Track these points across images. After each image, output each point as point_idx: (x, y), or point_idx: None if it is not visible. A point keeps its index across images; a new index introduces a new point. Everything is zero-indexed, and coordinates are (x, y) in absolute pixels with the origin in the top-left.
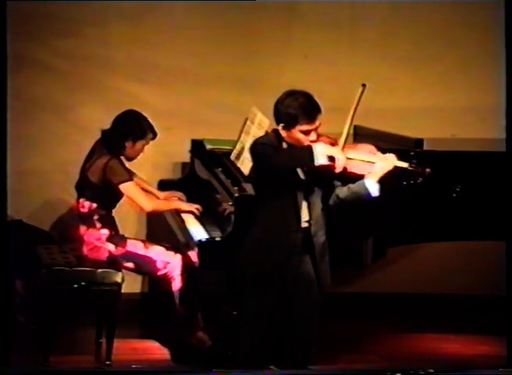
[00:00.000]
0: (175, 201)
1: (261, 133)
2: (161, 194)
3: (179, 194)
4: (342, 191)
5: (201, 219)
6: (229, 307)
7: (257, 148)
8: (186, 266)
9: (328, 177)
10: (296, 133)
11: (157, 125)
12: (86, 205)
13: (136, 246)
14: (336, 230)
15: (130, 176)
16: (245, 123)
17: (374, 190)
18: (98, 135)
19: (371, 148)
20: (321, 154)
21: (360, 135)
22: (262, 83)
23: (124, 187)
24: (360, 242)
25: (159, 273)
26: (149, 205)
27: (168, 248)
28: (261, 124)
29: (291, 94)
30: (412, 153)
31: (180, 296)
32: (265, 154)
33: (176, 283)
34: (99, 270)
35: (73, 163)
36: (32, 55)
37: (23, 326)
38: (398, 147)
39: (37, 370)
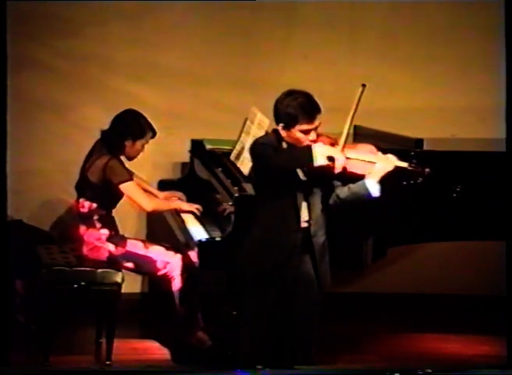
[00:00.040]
0: (175, 201)
1: (261, 133)
2: (161, 194)
3: (179, 194)
4: (342, 191)
5: (201, 219)
6: (229, 307)
7: (256, 148)
8: (186, 266)
9: (328, 178)
10: (296, 132)
11: (157, 125)
12: (86, 205)
13: (136, 246)
14: (336, 230)
15: (130, 176)
16: (245, 123)
17: (374, 190)
18: (98, 135)
19: (372, 148)
20: (320, 154)
21: (360, 135)
22: (262, 83)
23: (124, 187)
24: (360, 242)
25: (159, 273)
26: (149, 204)
27: (168, 248)
28: (261, 124)
29: (290, 93)
30: (412, 153)
31: (180, 296)
32: (265, 154)
33: (176, 283)
34: (99, 270)
35: (73, 163)
36: (32, 55)
37: (23, 326)
38: (398, 147)
39: (37, 370)
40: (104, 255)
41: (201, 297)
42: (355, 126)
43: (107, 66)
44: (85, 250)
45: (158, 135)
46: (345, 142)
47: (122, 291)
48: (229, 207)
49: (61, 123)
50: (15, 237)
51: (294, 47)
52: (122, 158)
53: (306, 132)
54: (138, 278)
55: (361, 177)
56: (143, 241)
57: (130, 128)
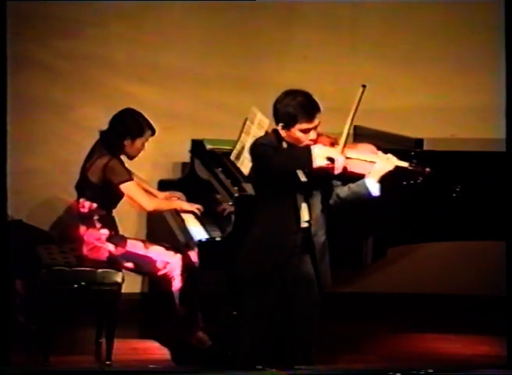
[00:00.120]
0: (176, 200)
1: (261, 133)
2: (161, 194)
3: (179, 194)
4: (342, 191)
5: (201, 219)
6: (229, 307)
7: (256, 148)
8: (186, 266)
9: (328, 178)
10: (296, 132)
11: (157, 125)
12: (86, 205)
13: (136, 246)
14: (336, 230)
15: (131, 175)
16: (245, 123)
17: (374, 189)
18: (98, 135)
19: (372, 147)
20: (319, 155)
21: (360, 135)
22: (262, 83)
23: (125, 187)
24: (360, 242)
25: (159, 273)
26: (150, 204)
27: (168, 248)
28: (261, 124)
29: (290, 93)
30: (412, 153)
31: (180, 296)
32: (264, 155)
33: (176, 283)
34: (99, 270)
35: (73, 163)
36: (32, 55)
37: (23, 326)
38: (398, 147)
39: (37, 370)
40: (104, 255)
41: (201, 297)
42: (355, 127)
43: (107, 66)
44: (85, 250)
45: (158, 135)
46: (345, 142)
47: (122, 291)
48: (229, 207)
49: (61, 123)
50: (15, 237)
51: (294, 47)
52: (123, 157)
53: (306, 131)
54: (138, 278)
55: (361, 177)
56: (143, 241)
57: (129, 127)
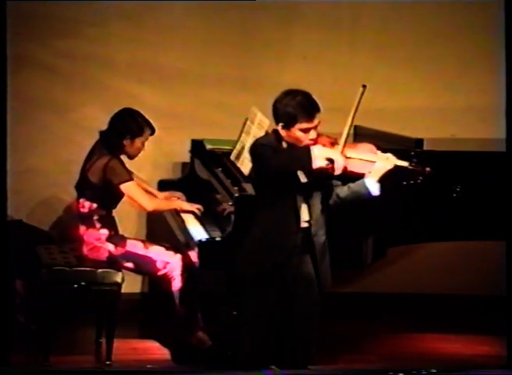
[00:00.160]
0: (176, 200)
1: (261, 133)
2: (161, 195)
3: (179, 194)
4: (342, 191)
5: (201, 219)
6: (229, 307)
7: (256, 148)
8: (186, 266)
9: (327, 178)
10: (296, 131)
11: (157, 125)
12: (86, 206)
13: (136, 246)
14: (336, 230)
15: (131, 176)
16: (245, 123)
17: (374, 189)
18: (98, 135)
19: (372, 147)
20: (319, 156)
21: (360, 135)
22: (262, 84)
23: (125, 187)
24: (360, 242)
25: (159, 273)
26: (150, 204)
27: (168, 248)
28: (261, 124)
29: (289, 93)
30: (412, 153)
31: (180, 296)
32: (264, 155)
33: (176, 283)
34: (99, 270)
35: (74, 163)
36: (32, 55)
37: (23, 326)
38: (398, 147)
39: (37, 370)
40: (104, 255)
41: (201, 297)
42: (355, 127)
43: (107, 66)
44: (85, 250)
45: (158, 135)
46: (345, 143)
47: (122, 291)
48: (229, 207)
49: (61, 123)
50: (15, 237)
51: (294, 47)
52: (124, 157)
53: (306, 131)
54: (138, 278)
55: (361, 176)
56: (143, 241)
57: (128, 126)
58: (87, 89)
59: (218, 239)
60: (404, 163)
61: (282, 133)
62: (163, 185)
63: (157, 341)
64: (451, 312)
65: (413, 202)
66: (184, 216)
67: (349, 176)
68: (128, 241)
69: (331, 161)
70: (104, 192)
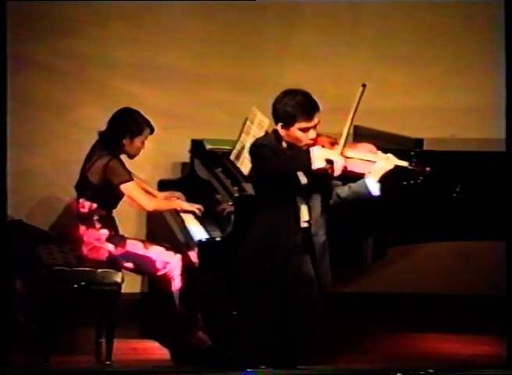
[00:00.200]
0: (176, 200)
1: (261, 133)
2: (161, 195)
3: (179, 194)
4: (342, 191)
5: (201, 219)
6: (229, 307)
7: (256, 149)
8: (186, 266)
9: (327, 179)
10: (295, 131)
11: (157, 125)
12: (86, 206)
13: (135, 246)
14: (336, 230)
15: (131, 176)
16: (245, 123)
17: (375, 189)
18: (98, 136)
19: (372, 147)
20: (318, 157)
21: (360, 135)
22: (262, 83)
23: (125, 187)
24: (360, 242)
25: (159, 273)
26: (150, 204)
27: (168, 248)
28: (261, 124)
29: (289, 92)
30: (412, 153)
31: (180, 296)
32: (264, 156)
33: (176, 283)
34: (99, 270)
35: (74, 163)
36: (32, 55)
37: (23, 326)
38: (398, 147)
39: (37, 370)
40: (103, 255)
41: (201, 297)
42: (355, 127)
43: (107, 66)
44: (85, 250)
45: (158, 135)
46: (345, 142)
47: (122, 291)
48: (229, 207)
49: (61, 123)
50: (15, 237)
51: (294, 47)
52: (124, 157)
53: (305, 130)
54: (138, 278)
55: (362, 176)
56: (142, 241)
57: (127, 126)
58: (86, 89)
59: (218, 239)
60: (404, 163)
61: (282, 132)
62: (163, 185)
63: (157, 341)
64: (451, 312)
65: (413, 202)
66: (184, 216)
67: (349, 176)
68: (128, 241)
69: (330, 162)
70: (104, 192)
